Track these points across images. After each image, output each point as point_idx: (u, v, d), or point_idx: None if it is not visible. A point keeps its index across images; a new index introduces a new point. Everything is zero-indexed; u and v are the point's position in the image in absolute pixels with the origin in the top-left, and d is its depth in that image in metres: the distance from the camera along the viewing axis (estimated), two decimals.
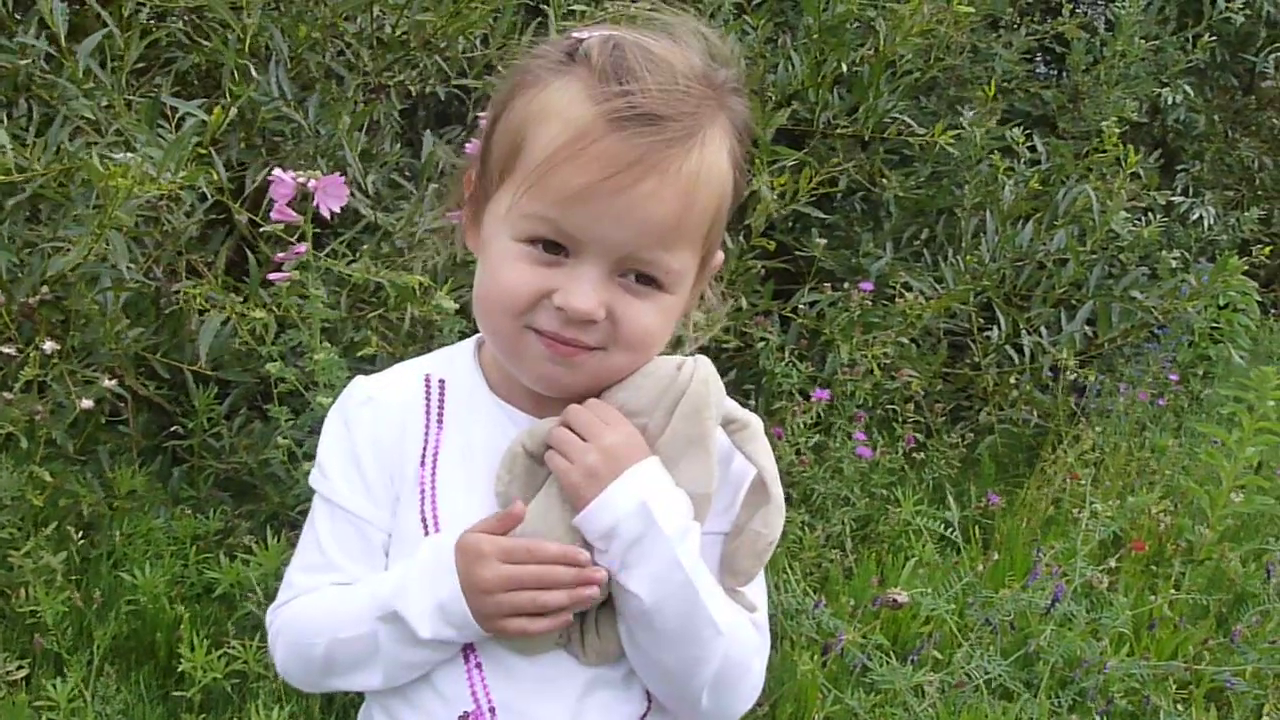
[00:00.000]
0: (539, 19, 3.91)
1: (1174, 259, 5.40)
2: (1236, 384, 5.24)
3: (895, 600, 3.48)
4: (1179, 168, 6.85)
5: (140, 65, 3.47)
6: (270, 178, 2.67)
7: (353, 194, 3.43)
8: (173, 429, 3.65)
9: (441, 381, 1.55)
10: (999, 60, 5.71)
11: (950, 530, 4.07)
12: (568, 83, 1.38)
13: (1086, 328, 5.14)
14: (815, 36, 4.44)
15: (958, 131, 4.83)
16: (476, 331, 1.56)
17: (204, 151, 3.14)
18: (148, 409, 3.69)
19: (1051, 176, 5.29)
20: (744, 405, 1.52)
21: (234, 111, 3.29)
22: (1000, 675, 3.53)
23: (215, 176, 3.23)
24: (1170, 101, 6.40)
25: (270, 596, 1.59)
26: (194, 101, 3.35)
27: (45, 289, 3.20)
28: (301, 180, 2.64)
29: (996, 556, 4.21)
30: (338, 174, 2.67)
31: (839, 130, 4.67)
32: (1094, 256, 5.13)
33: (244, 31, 3.48)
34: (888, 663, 3.49)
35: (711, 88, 1.41)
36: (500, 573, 1.40)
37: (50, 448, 3.25)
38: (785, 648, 3.51)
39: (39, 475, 3.14)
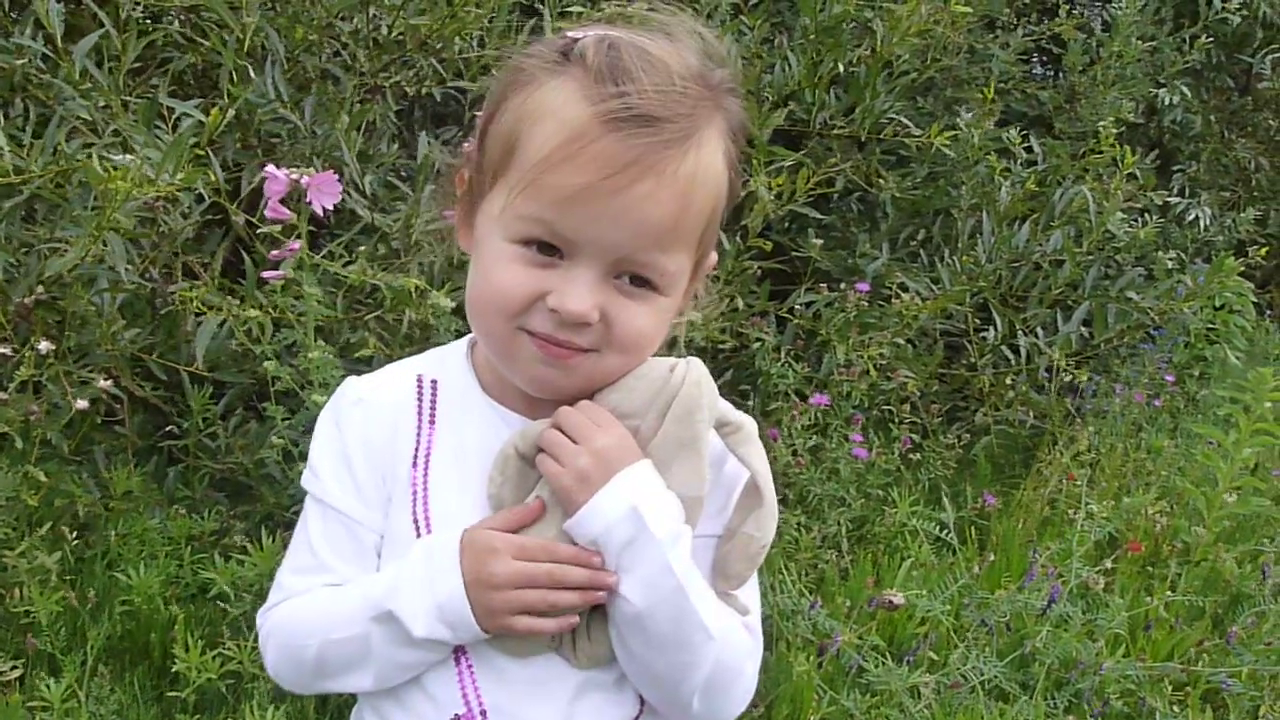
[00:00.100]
0: (535, 19, 3.91)
1: (1170, 260, 5.42)
2: (1233, 385, 5.25)
3: (891, 601, 3.48)
4: (1175, 169, 6.86)
5: (136, 65, 3.46)
6: (265, 174, 2.67)
7: (350, 194, 3.43)
8: (168, 429, 3.64)
9: (434, 382, 1.55)
10: (996, 61, 5.71)
11: (946, 531, 4.07)
12: (563, 83, 1.37)
13: (1083, 328, 5.14)
14: (812, 37, 4.44)
15: (954, 132, 4.84)
16: (472, 332, 1.55)
17: (201, 153, 3.13)
18: (143, 409, 3.69)
19: (1048, 177, 5.30)
20: (740, 406, 1.52)
21: (231, 112, 3.28)
22: (996, 676, 3.53)
23: (212, 178, 3.23)
24: (1167, 102, 6.41)
25: (265, 597, 1.58)
26: (190, 102, 3.35)
27: (41, 289, 3.19)
28: (295, 177, 2.64)
29: (992, 557, 4.21)
30: (333, 171, 2.67)
31: (836, 131, 4.67)
32: (1090, 257, 5.13)
33: (243, 31, 3.47)
34: (884, 664, 3.49)
35: (707, 88, 1.40)
36: (513, 569, 1.39)
37: (45, 448, 3.24)
38: (781, 648, 3.51)
39: (34, 475, 3.13)
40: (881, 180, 5.02)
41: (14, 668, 3.06)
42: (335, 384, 1.60)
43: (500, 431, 1.48)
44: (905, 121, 4.70)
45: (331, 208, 2.71)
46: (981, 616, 3.75)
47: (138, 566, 3.26)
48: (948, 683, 3.49)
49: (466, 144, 1.53)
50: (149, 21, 3.67)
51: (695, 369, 1.46)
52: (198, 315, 3.33)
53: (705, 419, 1.44)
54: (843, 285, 4.60)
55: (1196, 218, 6.27)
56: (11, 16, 3.51)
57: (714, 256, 1.54)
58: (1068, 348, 5.04)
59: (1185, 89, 6.49)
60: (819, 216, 4.80)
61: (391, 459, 1.50)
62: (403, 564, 1.45)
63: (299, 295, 2.92)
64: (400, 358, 1.63)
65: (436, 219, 1.62)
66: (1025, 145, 5.25)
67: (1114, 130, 5.08)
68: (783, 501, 4.07)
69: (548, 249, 1.37)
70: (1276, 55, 7.13)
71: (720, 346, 4.21)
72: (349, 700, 1.58)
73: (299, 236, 2.80)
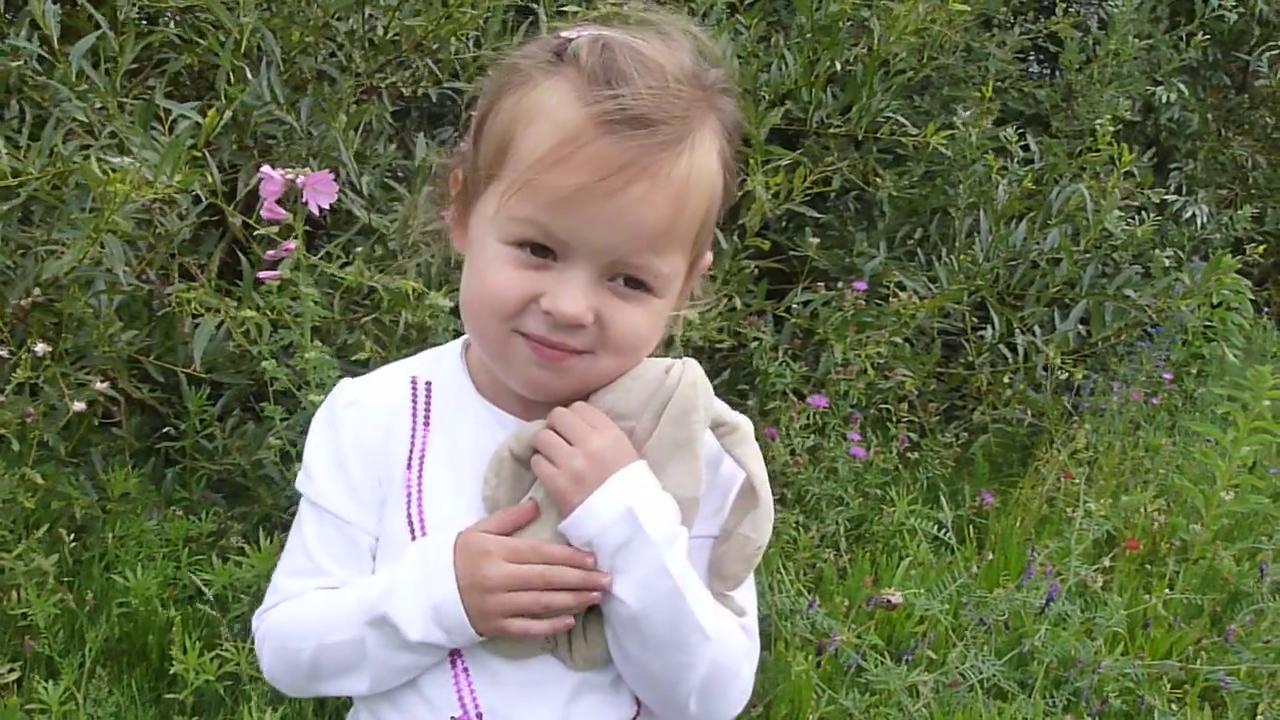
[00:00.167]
0: (530, 19, 3.91)
1: (1167, 258, 5.41)
2: (1231, 383, 5.25)
3: (889, 600, 3.48)
4: (1172, 166, 6.86)
5: (133, 67, 3.46)
6: (260, 174, 2.67)
7: (347, 195, 3.43)
8: (165, 431, 3.64)
9: (428, 383, 1.54)
10: (992, 59, 5.71)
11: (944, 530, 4.07)
12: (556, 83, 1.37)
13: (1080, 327, 5.13)
14: (808, 35, 4.44)
15: (951, 131, 4.84)
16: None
17: (198, 154, 3.13)
18: (140, 411, 3.69)
19: (1045, 176, 5.30)
20: (738, 405, 1.52)
21: (227, 114, 3.28)
22: (995, 675, 3.53)
23: (209, 179, 3.23)
24: (1165, 100, 6.42)
25: (262, 599, 1.58)
26: (187, 104, 3.34)
27: (38, 292, 3.19)
28: (290, 177, 2.64)
29: (991, 556, 4.21)
30: (327, 171, 2.67)
31: (832, 130, 4.67)
32: (1087, 255, 5.13)
33: (240, 32, 3.47)
34: (882, 663, 3.49)
35: (702, 89, 1.39)
36: (506, 571, 1.39)
37: (42, 450, 3.24)
38: (779, 648, 3.50)
39: (31, 478, 3.13)
40: (879, 179, 5.02)
41: (12, 670, 3.06)
42: (332, 384, 1.60)
43: (495, 433, 1.48)
44: (902, 120, 4.71)
45: (328, 208, 2.70)
46: (980, 615, 3.75)
47: (135, 568, 3.26)
48: (946, 682, 3.48)
49: (462, 144, 1.53)
50: (144, 23, 3.66)
51: (691, 370, 1.46)
52: (195, 317, 3.32)
53: (701, 420, 1.44)
54: (840, 284, 4.60)
55: (1194, 215, 6.27)
56: (6, 18, 3.51)
57: (709, 256, 1.53)
58: (1065, 346, 5.04)
59: (1182, 87, 6.49)
60: (816, 215, 4.80)
61: (386, 461, 1.50)
62: (398, 567, 1.44)
63: (296, 296, 2.92)
64: (397, 360, 1.63)
65: (433, 221, 1.60)
66: (1022, 144, 5.26)
67: (1111, 128, 5.08)
68: (781, 501, 4.07)
69: (541, 250, 1.36)
70: (1274, 53, 7.13)
71: (718, 346, 4.21)
72: (346, 702, 1.58)
73: (295, 236, 2.80)
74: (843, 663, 3.52)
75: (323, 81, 3.88)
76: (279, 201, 2.68)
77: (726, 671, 1.45)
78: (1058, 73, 6.50)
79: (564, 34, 1.41)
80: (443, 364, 1.57)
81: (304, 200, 2.65)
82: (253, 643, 2.78)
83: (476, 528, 1.43)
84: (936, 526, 4.11)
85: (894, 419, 4.58)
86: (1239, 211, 6.24)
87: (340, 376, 1.58)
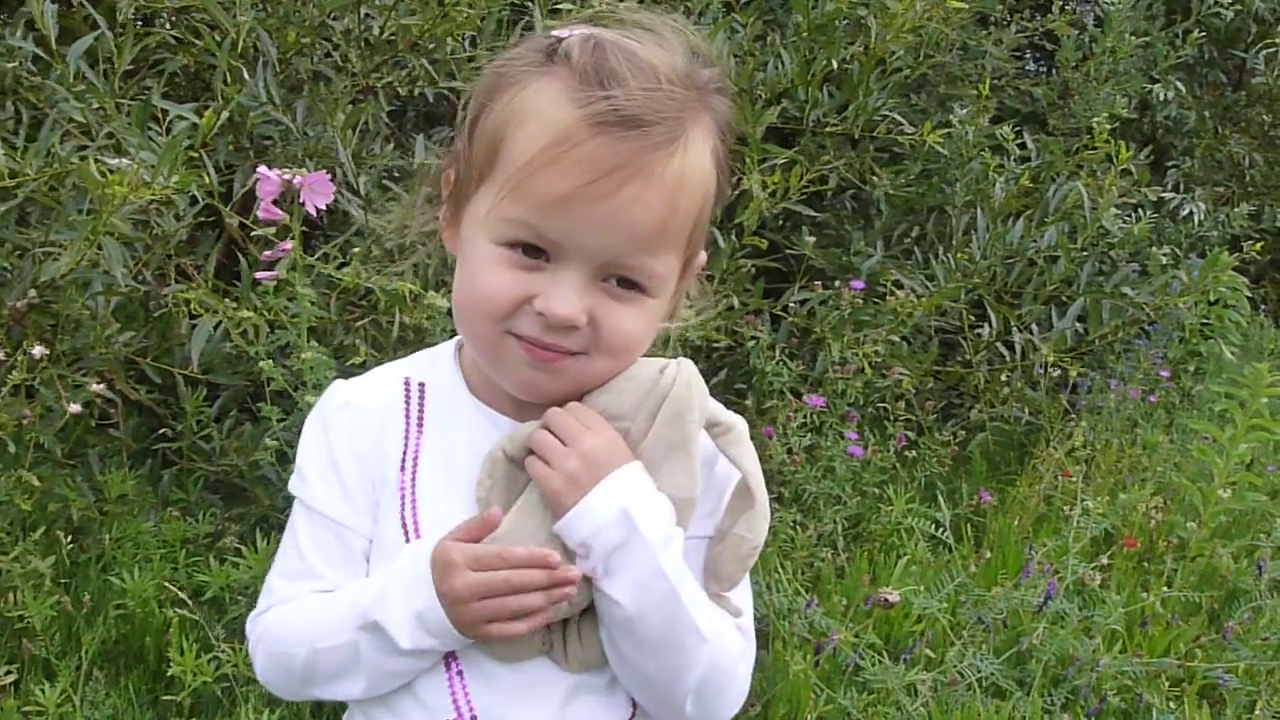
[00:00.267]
0: (525, 19, 3.91)
1: (1164, 255, 5.41)
2: (1228, 380, 5.24)
3: (887, 599, 3.48)
4: (1169, 164, 6.86)
5: (129, 67, 3.46)
6: (256, 174, 2.66)
7: (344, 195, 3.42)
8: (162, 432, 3.64)
9: (421, 385, 1.54)
10: (989, 57, 5.71)
11: (942, 529, 4.07)
12: (547, 83, 1.36)
13: (1077, 324, 5.13)
14: (805, 34, 4.44)
15: (948, 130, 4.83)
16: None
17: (195, 155, 3.13)
18: (137, 412, 3.69)
19: (1042, 174, 5.30)
20: (735, 404, 1.51)
21: (223, 115, 3.28)
22: (993, 674, 3.53)
23: (206, 180, 3.22)
24: (1162, 98, 6.42)
25: (258, 601, 1.58)
26: (183, 104, 3.34)
27: (34, 293, 3.19)
28: (287, 178, 2.63)
29: (988, 555, 4.21)
30: (324, 172, 2.66)
31: (829, 128, 4.67)
32: (1084, 253, 5.13)
33: (236, 33, 3.47)
34: (880, 662, 3.49)
35: (694, 88, 1.39)
36: (470, 580, 1.38)
37: (39, 452, 3.24)
38: (777, 647, 3.50)
39: (27, 480, 3.13)
40: (875, 177, 5.02)
41: (8, 673, 3.06)
42: (328, 385, 1.59)
43: (489, 434, 1.47)
44: (899, 119, 4.70)
45: (324, 208, 2.70)
46: (978, 614, 3.75)
47: (132, 570, 3.26)
48: (944, 680, 3.49)
49: (455, 144, 1.52)
50: (140, 24, 3.66)
51: (685, 370, 1.45)
52: (192, 317, 3.32)
53: (695, 420, 1.43)
54: (837, 283, 4.59)
55: (1191, 213, 6.27)
56: (2, 19, 3.50)
57: (703, 256, 1.53)
58: (1062, 344, 5.04)
59: (1179, 85, 6.49)
60: (813, 214, 4.80)
61: (379, 463, 1.49)
62: (390, 571, 1.44)
63: (293, 296, 2.91)
64: (393, 362, 1.62)
65: (427, 223, 1.59)
66: (1019, 141, 5.26)
67: (1108, 126, 5.08)
68: (778, 500, 4.07)
69: (534, 252, 1.36)
70: (1270, 51, 7.13)
71: (715, 345, 4.21)
72: (343, 705, 1.57)
73: (292, 237, 2.79)
74: (841, 662, 3.52)
75: (319, 82, 3.87)
76: (275, 202, 2.68)
77: (723, 673, 1.45)
78: (1054, 70, 6.50)
79: (555, 33, 1.40)
80: (436, 365, 1.56)
81: (301, 201, 2.65)
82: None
83: (446, 537, 1.42)
84: (934, 525, 4.12)
85: (891, 417, 4.58)
86: (1236, 209, 6.24)
87: (336, 377, 1.57)
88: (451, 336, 1.57)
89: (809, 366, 4.48)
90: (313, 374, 2.92)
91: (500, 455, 1.44)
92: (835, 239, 5.18)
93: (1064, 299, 5.16)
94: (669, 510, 1.41)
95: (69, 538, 3.32)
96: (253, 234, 2.91)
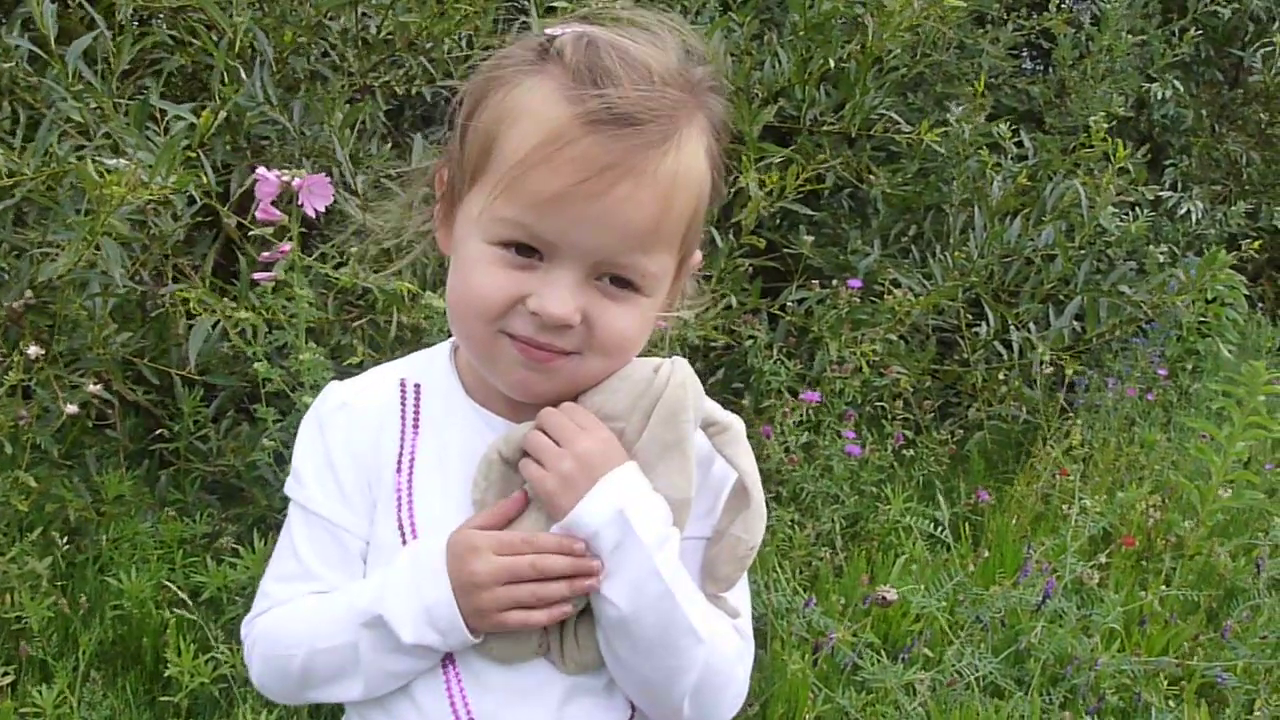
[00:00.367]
0: (522, 18, 3.90)
1: (1162, 254, 5.41)
2: (1225, 378, 5.25)
3: (885, 598, 3.48)
4: (1166, 163, 6.86)
5: (125, 67, 3.45)
6: (255, 175, 2.66)
7: (342, 195, 3.42)
8: (159, 433, 3.64)
9: (417, 386, 1.53)
10: (985, 56, 5.71)
11: (940, 528, 4.07)
12: (540, 81, 1.35)
13: (1075, 323, 5.13)
14: (801, 33, 4.44)
15: (945, 128, 4.83)
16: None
17: (193, 155, 3.12)
18: (134, 413, 3.68)
19: (1039, 172, 5.30)
20: (732, 404, 1.51)
21: (221, 114, 3.27)
22: (991, 673, 3.53)
23: (204, 180, 3.22)
24: (1160, 97, 6.42)
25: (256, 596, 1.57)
26: (180, 105, 3.34)
27: (31, 294, 3.18)
28: (286, 179, 2.63)
29: (986, 553, 4.21)
30: (323, 173, 2.66)
31: (826, 127, 4.66)
32: (1082, 252, 5.13)
33: (234, 33, 3.46)
34: (879, 661, 3.49)
35: (688, 87, 1.38)
36: (496, 564, 1.37)
37: (36, 453, 3.24)
38: (776, 647, 3.50)
39: (24, 481, 3.12)
40: (872, 176, 5.02)
41: (5, 674, 3.06)
42: (325, 385, 1.58)
43: (484, 435, 1.47)
44: (895, 117, 4.70)
45: (323, 209, 2.69)
46: (976, 613, 3.75)
47: (129, 571, 3.25)
48: (943, 680, 3.48)
49: (449, 145, 1.51)
50: (136, 25, 3.66)
51: (680, 369, 1.44)
52: (190, 318, 3.32)
53: (690, 420, 1.43)
54: (835, 282, 4.59)
55: (1188, 212, 6.27)
56: None
57: (699, 255, 1.52)
58: (1060, 342, 5.04)
59: (1177, 84, 6.49)
60: (810, 213, 4.80)
61: (375, 464, 1.49)
62: (389, 570, 1.43)
63: (291, 297, 2.91)
64: (391, 361, 1.62)
65: (423, 223, 1.58)
66: (1016, 140, 5.25)
67: (1104, 125, 5.08)
68: (776, 499, 4.07)
69: (527, 251, 1.35)
70: (1267, 49, 7.13)
71: (713, 344, 4.20)
72: (342, 707, 1.56)
73: (290, 238, 2.79)
74: (839, 661, 3.52)
75: (316, 81, 3.87)
76: (274, 203, 2.67)
77: (720, 674, 1.44)
78: (1051, 69, 6.50)
79: (548, 32, 1.40)
80: (432, 366, 1.56)
81: (299, 203, 2.64)
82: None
83: (465, 525, 1.42)
84: (932, 524, 4.11)
85: (889, 416, 4.58)
86: (1233, 207, 6.24)
87: (334, 378, 1.56)
88: (449, 337, 1.56)
89: (806, 365, 4.48)
90: (310, 375, 2.91)
91: (496, 457, 1.44)
92: (832, 238, 5.18)
93: (1061, 297, 5.17)
94: (665, 511, 1.40)
95: (66, 538, 3.32)
96: (250, 234, 2.91)
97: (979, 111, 5.12)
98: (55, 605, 3.17)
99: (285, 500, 1.54)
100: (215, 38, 3.50)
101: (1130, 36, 5.96)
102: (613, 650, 1.42)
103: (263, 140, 3.75)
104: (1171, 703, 3.65)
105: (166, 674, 3.01)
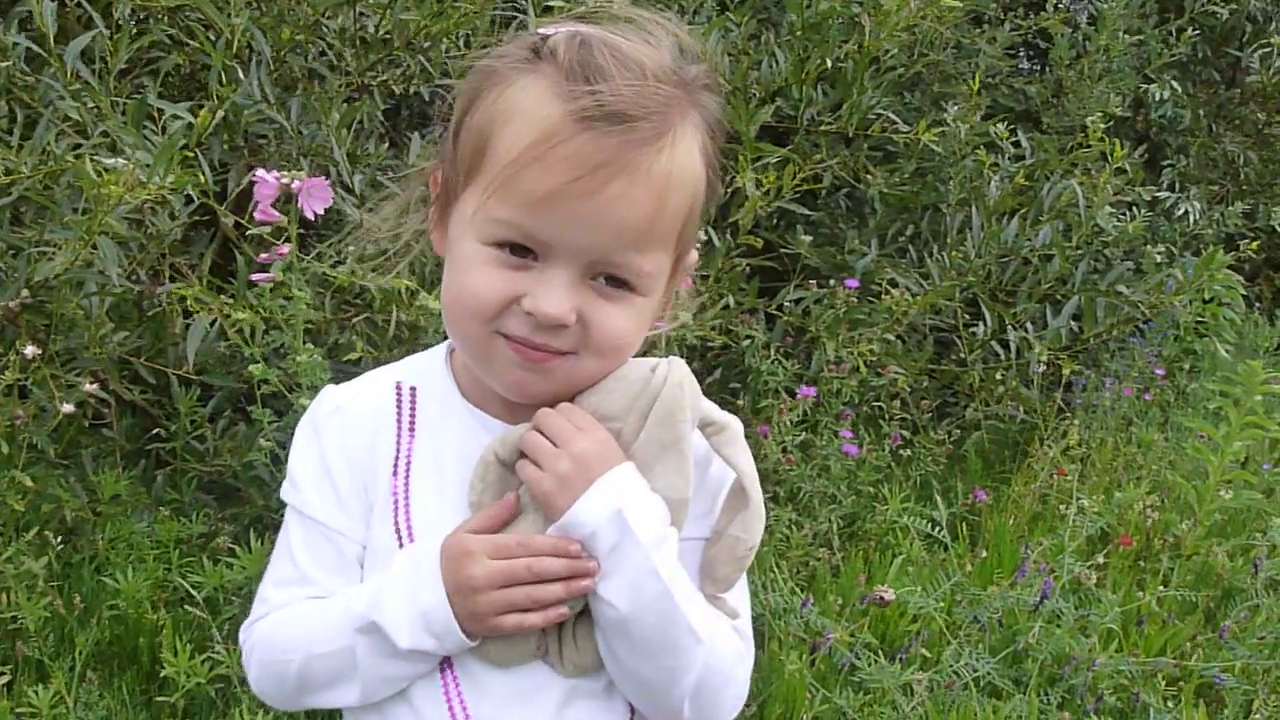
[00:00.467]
0: (519, 17, 3.90)
1: (1159, 254, 5.41)
2: (1223, 378, 5.25)
3: (883, 598, 3.47)
4: (1164, 163, 6.86)
5: (122, 66, 3.45)
6: (254, 178, 2.65)
7: (340, 194, 3.42)
8: (156, 432, 3.63)
9: (413, 389, 1.52)
10: (982, 56, 5.71)
11: (937, 528, 4.07)
12: (533, 80, 1.34)
13: (1072, 323, 5.13)
14: (799, 33, 4.44)
15: (942, 128, 4.83)
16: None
17: (190, 154, 3.12)
18: (131, 413, 3.68)
19: (1036, 172, 5.30)
20: (730, 404, 1.50)
21: (219, 114, 3.27)
22: (989, 673, 3.53)
23: (201, 179, 3.22)
24: (1157, 97, 6.42)
25: (253, 600, 1.56)
26: (177, 104, 3.33)
27: (27, 293, 3.18)
28: (285, 181, 2.62)
29: (984, 554, 4.21)
30: (322, 175, 2.66)
31: (823, 127, 4.66)
32: (1079, 252, 5.13)
33: (231, 33, 3.46)
34: (876, 661, 3.49)
35: (682, 85, 1.37)
36: (491, 568, 1.37)
37: (32, 452, 3.23)
38: (773, 647, 3.50)
39: (20, 480, 3.12)
40: (869, 176, 5.02)
41: (2, 674, 3.06)
42: (323, 386, 1.58)
43: (480, 437, 1.46)
44: (893, 117, 4.70)
45: (321, 211, 2.69)
46: (974, 613, 3.75)
47: (125, 571, 3.25)
48: (941, 680, 3.48)
49: (443, 146, 1.51)
50: (134, 25, 3.65)
51: (677, 369, 1.43)
52: (187, 316, 3.31)
53: (688, 419, 1.42)
54: (832, 282, 4.59)
55: (1186, 212, 6.28)
56: None
57: (694, 254, 1.51)
58: (1057, 342, 5.04)
59: (1175, 84, 6.50)
60: (807, 213, 4.80)
61: (372, 468, 1.48)
62: (386, 575, 1.43)
63: (288, 296, 2.90)
64: (389, 359, 1.61)
65: (420, 222, 1.58)
66: (1013, 140, 5.26)
67: (1101, 125, 5.08)
68: (773, 499, 4.07)
69: (521, 251, 1.35)
70: (1265, 50, 7.14)
71: (710, 344, 4.20)
72: (340, 710, 1.56)
73: (288, 240, 2.78)
74: (837, 661, 3.52)
75: (313, 80, 3.87)
76: (273, 204, 2.67)
77: (719, 675, 1.43)
78: (1048, 69, 6.50)
79: (541, 31, 1.39)
80: (428, 369, 1.55)
81: (298, 204, 2.64)
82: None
83: (460, 529, 1.41)
84: (930, 524, 4.11)
85: (886, 416, 4.58)
86: (1230, 207, 6.24)
87: (331, 379, 1.56)
88: (446, 338, 1.56)
89: (804, 365, 4.48)
90: (307, 376, 2.91)
91: (492, 459, 1.43)
92: (830, 238, 5.18)
93: (1059, 297, 5.17)
94: (663, 511, 1.39)
95: (62, 538, 3.32)
96: (248, 233, 2.91)
97: (975, 111, 5.12)
98: (51, 605, 3.16)
99: (282, 501, 1.53)
100: (213, 37, 3.49)
101: (1127, 36, 5.96)
102: (612, 652, 1.41)
103: (260, 139, 3.75)
104: (1170, 703, 3.65)
105: (163, 674, 3.00)
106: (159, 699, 3.05)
